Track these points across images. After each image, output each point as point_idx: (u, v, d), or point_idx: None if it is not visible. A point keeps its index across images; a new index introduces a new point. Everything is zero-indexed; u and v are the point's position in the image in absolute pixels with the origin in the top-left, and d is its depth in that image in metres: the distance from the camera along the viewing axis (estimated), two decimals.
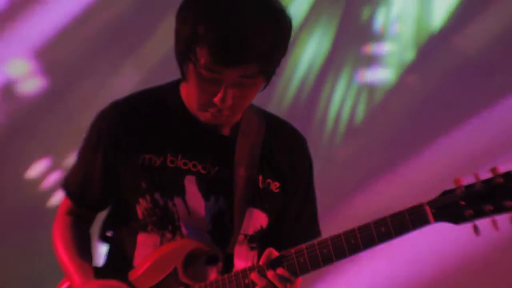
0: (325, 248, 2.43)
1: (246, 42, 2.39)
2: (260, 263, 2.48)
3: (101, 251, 2.76)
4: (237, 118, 2.66)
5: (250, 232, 2.64)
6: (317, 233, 2.75)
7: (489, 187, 2.31)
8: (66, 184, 2.74)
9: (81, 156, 2.70)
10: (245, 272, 2.50)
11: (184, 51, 2.46)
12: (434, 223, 2.34)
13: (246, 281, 2.49)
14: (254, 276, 2.47)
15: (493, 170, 2.33)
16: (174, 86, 2.66)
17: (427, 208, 2.34)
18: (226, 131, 2.65)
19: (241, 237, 2.62)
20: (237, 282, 2.50)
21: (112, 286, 2.57)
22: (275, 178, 2.67)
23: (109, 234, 2.74)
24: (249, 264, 2.59)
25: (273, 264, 2.47)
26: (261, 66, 2.44)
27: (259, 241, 2.68)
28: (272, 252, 2.48)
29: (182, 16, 2.47)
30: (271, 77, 2.53)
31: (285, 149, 2.70)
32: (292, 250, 2.46)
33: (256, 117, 2.70)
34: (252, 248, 2.66)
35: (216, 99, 2.48)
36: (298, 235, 2.71)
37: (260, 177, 2.65)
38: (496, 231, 2.30)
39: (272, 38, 2.43)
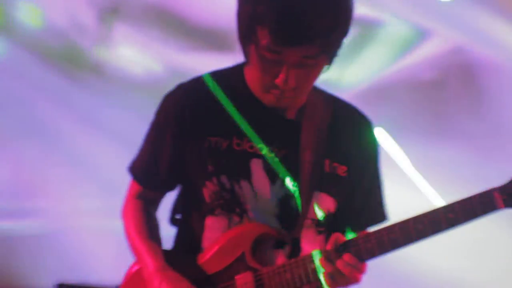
0: (393, 233, 2.39)
1: (307, 21, 2.35)
2: (327, 248, 2.45)
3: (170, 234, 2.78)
4: (302, 102, 2.62)
5: (317, 216, 2.61)
6: (385, 217, 2.70)
7: None
8: (133, 168, 2.74)
9: (148, 138, 2.70)
10: (312, 257, 2.47)
11: (245, 33, 2.44)
12: (503, 209, 2.28)
13: (313, 266, 2.46)
14: (321, 261, 2.44)
15: None
16: (238, 69, 2.63)
17: (496, 195, 2.28)
18: (291, 115, 2.62)
19: (308, 221, 2.59)
20: (304, 267, 2.48)
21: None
22: (342, 162, 2.62)
23: (178, 217, 2.75)
24: (317, 248, 2.56)
25: (340, 249, 2.44)
26: (322, 46, 2.40)
27: (327, 225, 2.64)
28: (339, 237, 2.45)
29: None
30: (333, 58, 2.49)
31: (352, 133, 2.66)
32: (360, 236, 2.43)
33: (322, 100, 2.65)
34: (319, 232, 2.63)
35: (278, 81, 2.45)
36: (366, 219, 2.68)
37: (327, 161, 2.61)
38: None
39: (333, 17, 2.38)
